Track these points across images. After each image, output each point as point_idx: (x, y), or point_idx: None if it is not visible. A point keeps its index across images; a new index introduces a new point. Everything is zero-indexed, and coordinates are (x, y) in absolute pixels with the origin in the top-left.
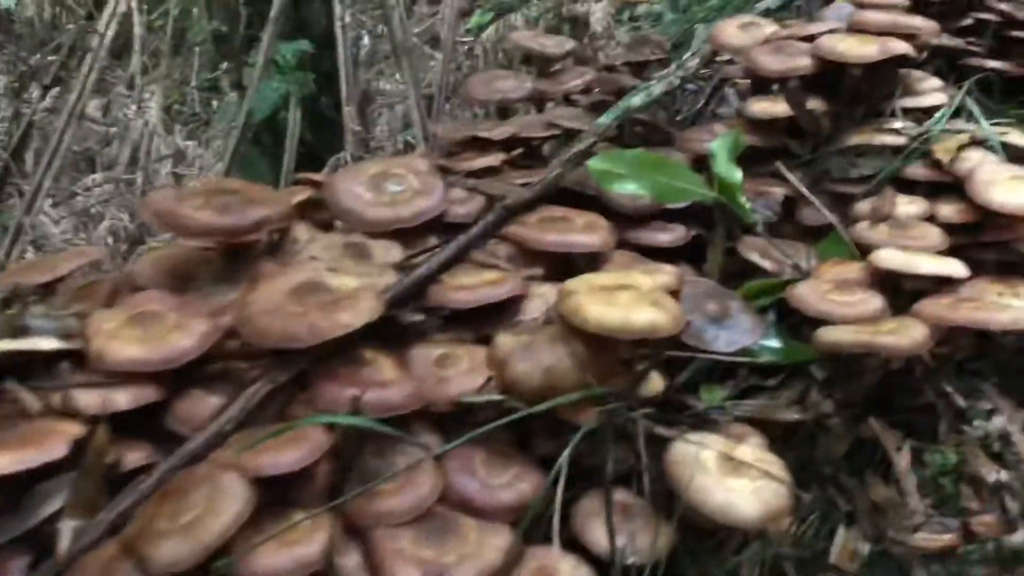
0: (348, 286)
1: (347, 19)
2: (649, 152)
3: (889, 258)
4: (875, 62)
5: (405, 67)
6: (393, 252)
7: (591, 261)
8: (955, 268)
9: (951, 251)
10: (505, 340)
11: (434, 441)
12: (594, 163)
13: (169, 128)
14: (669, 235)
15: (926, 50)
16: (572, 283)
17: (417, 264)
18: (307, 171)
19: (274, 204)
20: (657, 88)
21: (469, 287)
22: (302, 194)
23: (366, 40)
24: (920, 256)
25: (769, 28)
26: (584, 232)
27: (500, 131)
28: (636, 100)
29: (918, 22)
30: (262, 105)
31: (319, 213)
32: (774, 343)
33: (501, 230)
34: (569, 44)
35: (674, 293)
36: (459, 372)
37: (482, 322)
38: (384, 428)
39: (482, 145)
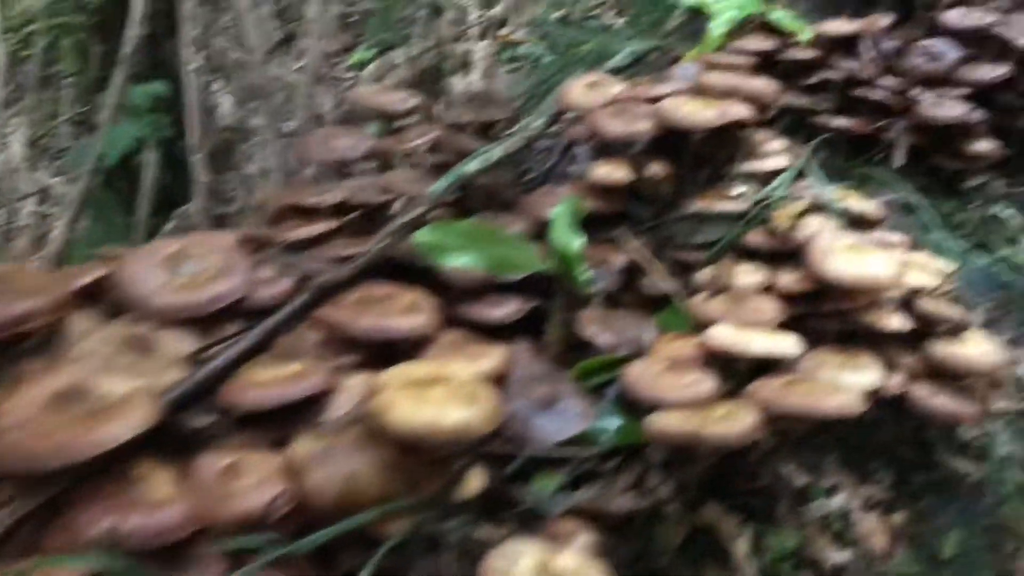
0: (119, 390)
1: (199, 62)
2: (482, 223)
3: (721, 337)
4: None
5: (263, 112)
6: (184, 344)
7: (415, 345)
8: (786, 347)
9: (792, 321)
10: (303, 445)
11: (218, 568)
12: (422, 236)
13: (35, 164)
14: (503, 310)
15: (773, 109)
16: (383, 377)
17: (210, 357)
18: (163, 217)
19: (44, 294)
20: (496, 152)
21: (264, 384)
22: (92, 275)
23: (219, 84)
24: (752, 334)
25: (616, 87)
26: (405, 314)
27: (327, 198)
28: (472, 166)
29: (760, 85)
30: (112, 149)
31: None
32: (613, 423)
33: (314, 313)
34: (414, 100)
35: (499, 379)
36: (247, 485)
37: (281, 423)
38: (137, 570)
39: (312, 211)
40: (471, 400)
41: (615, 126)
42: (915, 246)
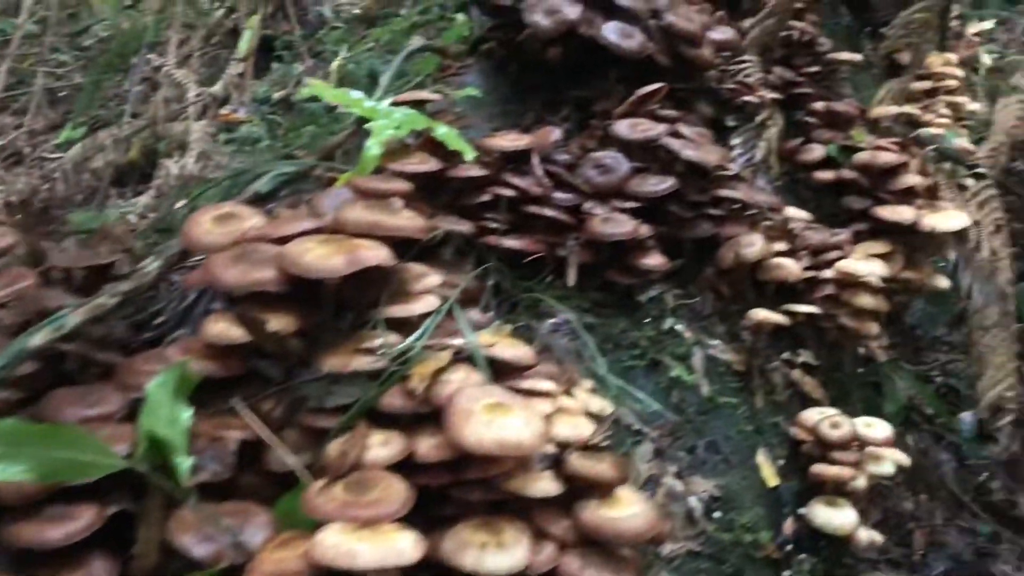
0: None
1: None
2: (30, 422)
3: (325, 548)
4: None
5: None
6: None
7: None
8: (401, 554)
9: (431, 493)
10: None
11: None
12: None
13: None
14: (68, 527)
15: (437, 236)
16: None
17: None
18: None
19: None
20: (72, 320)
21: None
22: None
23: None
24: (364, 542)
25: (251, 220)
26: None
27: None
28: (36, 339)
29: (403, 222)
30: None
31: None
32: None
33: None
34: (8, 239)
35: None
36: None
37: None
38: None
39: None
40: None
41: (232, 274)
42: (579, 380)
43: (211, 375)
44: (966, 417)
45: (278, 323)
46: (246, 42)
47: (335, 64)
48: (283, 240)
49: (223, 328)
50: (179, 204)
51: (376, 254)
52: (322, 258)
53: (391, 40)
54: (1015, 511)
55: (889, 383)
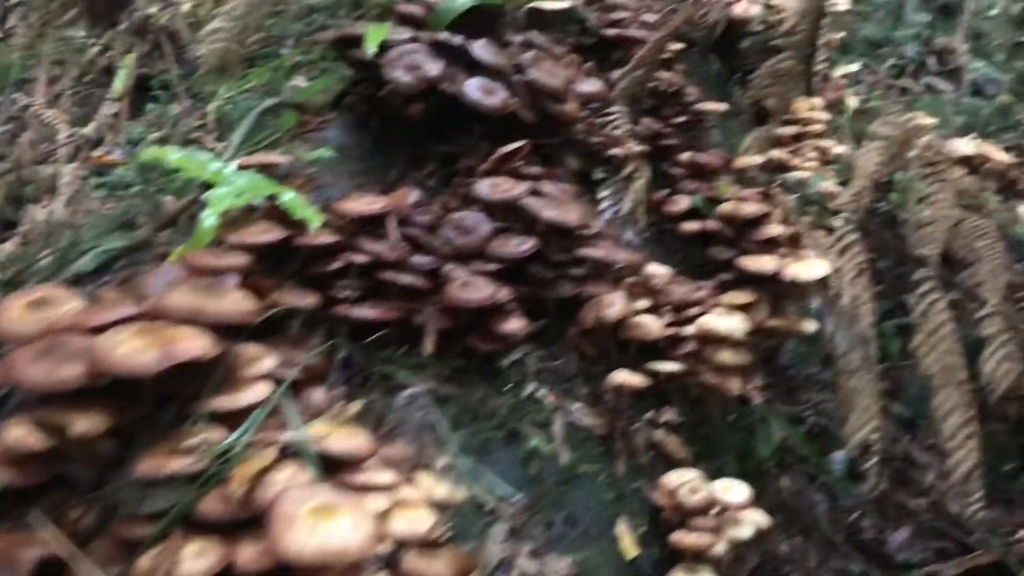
0: None
1: None
2: None
3: None
4: None
5: None
6: None
7: None
8: None
9: None
10: None
11: None
12: None
13: None
14: None
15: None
16: None
17: None
18: None
19: None
20: None
21: None
22: None
23: None
24: None
25: (68, 305)
26: None
27: None
28: None
29: (227, 308)
30: None
31: None
32: None
33: None
34: None
35: None
36: None
37: None
38: None
39: None
40: None
41: (37, 372)
42: (429, 461)
43: (10, 484)
44: (837, 457)
45: (86, 424)
46: (121, 81)
47: (212, 106)
48: (98, 329)
49: (22, 434)
50: (44, 255)
51: (195, 345)
52: (134, 353)
53: (271, 81)
54: (883, 549)
55: (763, 426)
